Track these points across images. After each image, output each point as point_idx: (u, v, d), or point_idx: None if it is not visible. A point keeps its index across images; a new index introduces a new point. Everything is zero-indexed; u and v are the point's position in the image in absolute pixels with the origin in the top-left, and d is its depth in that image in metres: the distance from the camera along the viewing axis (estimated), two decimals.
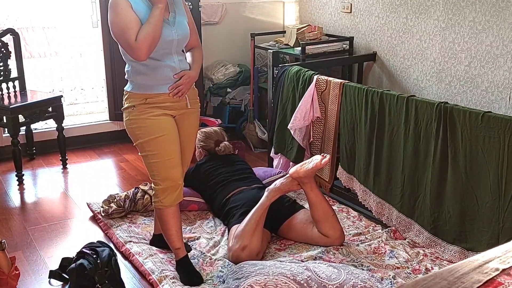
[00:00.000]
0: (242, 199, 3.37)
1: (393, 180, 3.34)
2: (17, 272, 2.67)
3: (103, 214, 3.65)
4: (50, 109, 4.55)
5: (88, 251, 2.90)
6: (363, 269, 2.92)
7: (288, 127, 3.89)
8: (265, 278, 2.51)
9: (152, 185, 2.83)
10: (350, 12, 4.88)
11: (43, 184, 4.39)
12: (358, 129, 3.53)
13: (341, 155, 3.71)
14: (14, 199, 4.08)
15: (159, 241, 3.20)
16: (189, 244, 3.24)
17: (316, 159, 3.16)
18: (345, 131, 3.65)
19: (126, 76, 2.79)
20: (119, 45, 2.71)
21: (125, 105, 2.77)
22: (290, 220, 3.28)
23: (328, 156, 3.16)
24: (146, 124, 2.72)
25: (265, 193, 3.19)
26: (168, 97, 2.75)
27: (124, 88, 2.80)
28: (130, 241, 3.30)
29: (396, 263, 3.01)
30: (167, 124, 2.77)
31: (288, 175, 3.26)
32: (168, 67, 2.72)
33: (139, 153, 2.83)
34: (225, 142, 3.91)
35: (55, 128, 4.69)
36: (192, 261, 3.02)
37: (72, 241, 3.43)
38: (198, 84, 4.99)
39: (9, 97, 4.49)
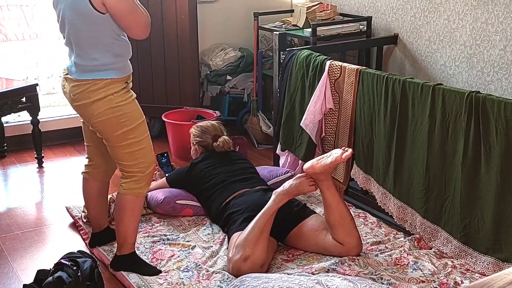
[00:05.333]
0: (244, 203, 3.37)
1: (417, 181, 3.33)
2: None
3: (84, 220, 3.66)
4: (23, 99, 4.56)
5: (67, 263, 2.90)
6: (382, 283, 2.92)
7: (300, 124, 3.88)
8: None
9: (135, 173, 3.00)
10: None
11: (15, 185, 4.40)
12: (377, 122, 3.53)
13: (357, 153, 3.71)
14: None
15: (100, 239, 3.42)
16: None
17: (336, 153, 3.15)
18: (361, 125, 3.64)
19: (98, 63, 2.86)
20: (97, 27, 2.82)
21: (100, 95, 2.87)
22: (300, 227, 3.29)
23: (350, 151, 3.13)
24: (131, 110, 2.95)
25: (272, 197, 3.19)
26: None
27: (95, 78, 2.86)
28: (114, 252, 3.30)
29: (420, 276, 3.01)
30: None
31: (297, 175, 3.26)
32: (130, 44, 3.00)
33: (115, 144, 2.96)
34: (224, 136, 3.91)
35: (29, 121, 4.70)
36: (186, 273, 3.04)
37: (49, 251, 3.44)
38: (193, 71, 5.06)
39: None
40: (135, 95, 3.01)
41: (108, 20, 2.79)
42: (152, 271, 3.11)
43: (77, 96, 2.90)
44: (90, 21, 2.78)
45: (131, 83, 3.01)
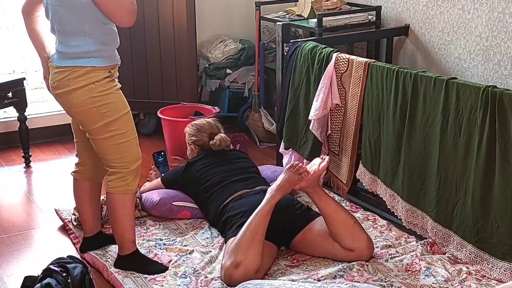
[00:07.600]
0: (242, 206, 3.36)
1: (427, 182, 3.33)
2: None
3: (75, 223, 3.66)
4: (9, 94, 4.56)
5: (56, 268, 2.90)
6: None
7: (309, 117, 3.86)
8: None
9: (119, 169, 3.05)
10: None
11: (1, 186, 4.40)
12: (385, 119, 3.53)
13: (364, 152, 3.71)
14: None
15: (91, 244, 3.39)
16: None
17: (315, 163, 3.28)
18: (369, 121, 3.64)
19: (80, 50, 2.90)
20: (82, 14, 2.85)
21: (80, 84, 2.90)
22: (305, 233, 3.29)
23: (327, 159, 3.26)
24: (114, 100, 2.99)
25: (266, 195, 3.20)
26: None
27: (75, 65, 2.90)
28: (107, 256, 3.32)
29: (433, 283, 3.01)
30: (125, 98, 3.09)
31: (285, 169, 3.28)
32: (117, 33, 3.04)
33: (97, 137, 2.99)
34: (220, 134, 3.91)
35: (16, 118, 4.70)
36: (183, 280, 3.05)
37: (37, 256, 3.45)
38: (190, 64, 5.06)
39: None
40: (119, 85, 3.04)
41: (91, 7, 2.82)
42: (157, 268, 3.17)
43: (57, 84, 2.95)
44: (72, 7, 2.83)
45: (116, 72, 3.04)
